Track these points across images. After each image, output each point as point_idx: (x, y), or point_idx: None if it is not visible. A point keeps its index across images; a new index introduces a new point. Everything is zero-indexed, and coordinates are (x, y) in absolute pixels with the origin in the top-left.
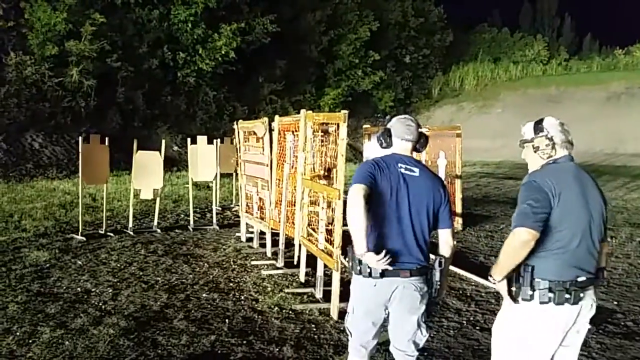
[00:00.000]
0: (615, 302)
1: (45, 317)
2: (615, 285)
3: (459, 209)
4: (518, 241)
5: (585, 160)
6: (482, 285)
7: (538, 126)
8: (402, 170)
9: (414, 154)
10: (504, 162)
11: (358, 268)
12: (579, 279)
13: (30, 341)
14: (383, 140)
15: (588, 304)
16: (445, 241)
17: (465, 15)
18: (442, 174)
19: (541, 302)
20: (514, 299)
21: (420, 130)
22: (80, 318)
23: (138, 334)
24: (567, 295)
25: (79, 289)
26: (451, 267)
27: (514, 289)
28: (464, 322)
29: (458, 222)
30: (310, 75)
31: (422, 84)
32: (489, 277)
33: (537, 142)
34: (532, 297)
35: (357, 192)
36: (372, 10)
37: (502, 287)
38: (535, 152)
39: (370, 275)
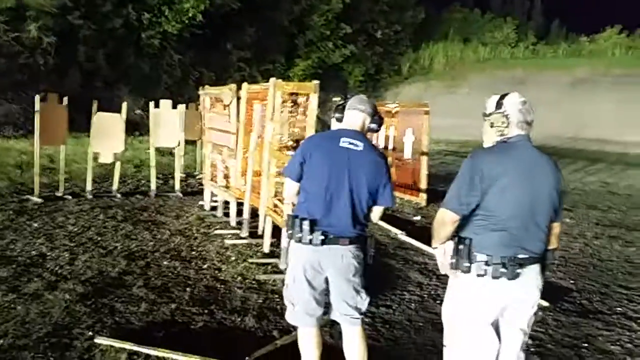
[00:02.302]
0: (572, 281)
1: None
2: (572, 264)
3: (423, 185)
4: (439, 221)
5: (546, 143)
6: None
7: (499, 102)
8: (345, 145)
9: (371, 136)
10: (469, 141)
11: (299, 236)
12: (519, 256)
13: None
14: (337, 113)
15: (531, 284)
16: (373, 216)
17: None
18: (408, 151)
19: (478, 275)
20: (453, 269)
21: (376, 109)
22: (34, 282)
23: (95, 301)
24: (503, 270)
25: (33, 252)
26: (413, 242)
27: (453, 260)
28: (425, 295)
29: (422, 198)
30: (281, 45)
31: (393, 60)
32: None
33: (493, 118)
34: (469, 269)
35: (292, 193)
36: None
37: (438, 254)
38: (491, 127)
39: (310, 242)
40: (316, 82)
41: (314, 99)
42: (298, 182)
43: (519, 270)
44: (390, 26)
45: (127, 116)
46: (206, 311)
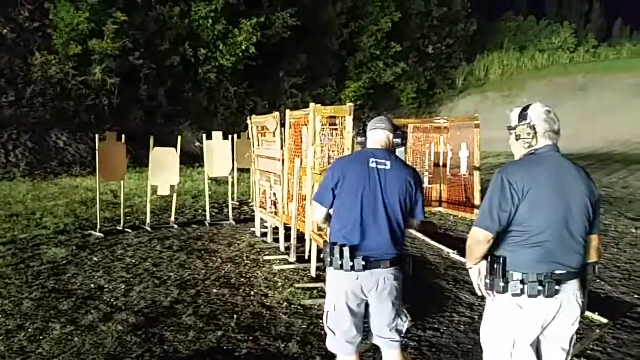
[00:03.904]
0: (637, 296)
1: (58, 313)
2: (637, 278)
3: (477, 201)
4: (473, 240)
5: (612, 150)
6: None
7: (522, 114)
8: (374, 165)
9: (397, 153)
10: None
11: (340, 263)
12: (557, 272)
13: (41, 337)
14: (359, 136)
15: (570, 300)
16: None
17: (489, 4)
18: (464, 166)
19: (513, 295)
20: (488, 290)
21: (397, 125)
22: (91, 314)
23: (146, 330)
24: (540, 288)
25: (92, 285)
26: (464, 260)
27: (488, 281)
28: (476, 317)
29: (477, 215)
30: (331, 69)
31: (446, 74)
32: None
33: (519, 130)
34: (505, 289)
35: (320, 216)
36: (394, 1)
37: (473, 275)
38: (517, 140)
39: (353, 269)
40: (351, 104)
41: (349, 121)
42: (330, 207)
43: (557, 287)
44: (442, 41)
45: (187, 149)
46: (251, 338)
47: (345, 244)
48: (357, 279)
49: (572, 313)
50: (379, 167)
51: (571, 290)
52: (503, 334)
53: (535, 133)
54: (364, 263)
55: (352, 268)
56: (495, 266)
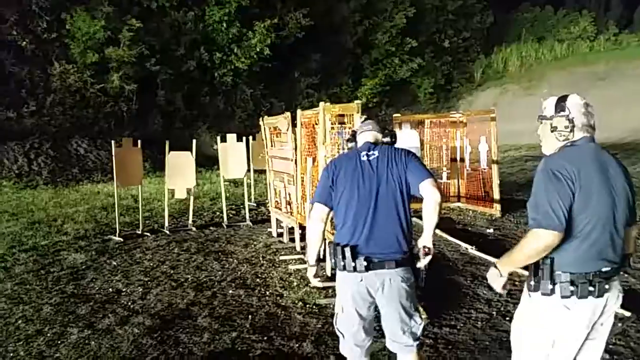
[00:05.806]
0: None
1: (76, 318)
2: None
3: (496, 195)
4: (542, 244)
5: (636, 138)
6: (516, 274)
7: (560, 104)
8: (364, 158)
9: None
10: None
11: (342, 264)
12: (603, 270)
13: (59, 342)
14: (349, 142)
15: (614, 295)
16: (427, 194)
17: None
18: (483, 160)
19: (563, 297)
20: (531, 291)
21: (384, 127)
22: (108, 318)
23: (161, 333)
24: (591, 288)
25: (110, 289)
26: (485, 256)
27: (532, 282)
28: (494, 312)
29: (497, 209)
30: (347, 67)
31: (464, 68)
32: (496, 266)
33: (555, 121)
34: (552, 291)
35: (318, 216)
36: None
37: (504, 275)
38: (552, 131)
39: (355, 270)
40: (359, 102)
41: (356, 119)
42: (331, 207)
43: (606, 286)
44: (458, 34)
45: (206, 152)
46: (265, 338)
47: (347, 244)
48: (361, 280)
49: (614, 308)
50: (369, 158)
51: (616, 287)
52: (550, 338)
53: (573, 126)
54: (365, 263)
55: (355, 269)
56: (542, 267)
